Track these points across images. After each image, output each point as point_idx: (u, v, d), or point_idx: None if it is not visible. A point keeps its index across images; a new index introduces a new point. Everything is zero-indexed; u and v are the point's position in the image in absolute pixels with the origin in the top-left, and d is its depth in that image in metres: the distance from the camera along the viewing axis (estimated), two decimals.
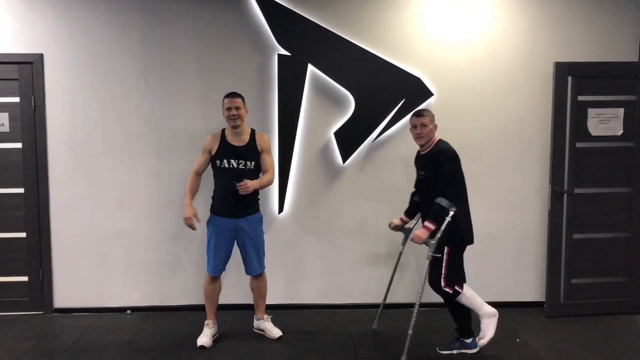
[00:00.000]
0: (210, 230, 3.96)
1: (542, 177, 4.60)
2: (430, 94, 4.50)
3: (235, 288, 4.55)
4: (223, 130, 3.94)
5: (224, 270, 4.01)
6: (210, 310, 4.04)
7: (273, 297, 4.40)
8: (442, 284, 3.66)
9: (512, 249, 4.70)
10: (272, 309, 4.29)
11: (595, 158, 4.47)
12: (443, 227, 3.55)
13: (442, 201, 3.56)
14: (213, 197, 3.98)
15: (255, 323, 4.15)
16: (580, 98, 4.42)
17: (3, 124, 4.49)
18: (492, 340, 3.74)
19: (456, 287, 3.68)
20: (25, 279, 4.60)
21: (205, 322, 4.02)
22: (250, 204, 3.94)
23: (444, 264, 3.65)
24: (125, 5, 4.43)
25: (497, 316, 3.75)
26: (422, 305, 3.68)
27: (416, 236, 3.60)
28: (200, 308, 4.23)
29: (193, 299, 4.59)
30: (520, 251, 4.70)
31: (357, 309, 4.60)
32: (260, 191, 4.00)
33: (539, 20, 4.53)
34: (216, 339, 4.01)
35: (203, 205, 4.06)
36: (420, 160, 3.85)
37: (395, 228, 4.05)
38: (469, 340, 3.83)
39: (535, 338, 4.08)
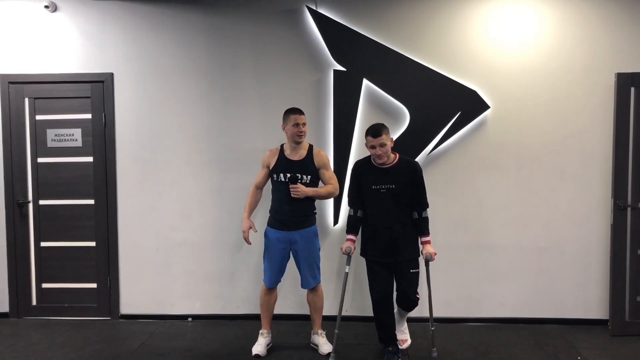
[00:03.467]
0: (265, 242, 4.07)
1: (604, 191, 4.46)
2: (486, 107, 4.47)
3: (293, 298, 4.65)
4: (282, 146, 4.06)
5: (279, 281, 4.09)
6: (265, 320, 4.13)
7: (326, 308, 4.43)
8: (418, 295, 3.82)
9: (573, 264, 4.57)
10: (325, 319, 4.29)
11: None
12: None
13: (425, 213, 3.77)
14: (270, 210, 4.08)
15: (312, 337, 4.19)
16: None
17: (76, 139, 4.78)
18: (552, 355, 3.66)
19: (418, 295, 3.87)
20: (94, 285, 4.83)
21: (260, 331, 4.11)
22: (305, 218, 4.00)
23: (418, 277, 3.79)
24: (191, 26, 4.65)
25: None
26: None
27: (435, 254, 3.75)
28: (258, 317, 4.30)
29: (252, 308, 4.71)
30: (581, 266, 4.56)
31: (416, 322, 4.57)
32: (315, 204, 4.07)
33: (599, 30, 4.43)
34: (270, 349, 4.09)
35: (262, 219, 4.21)
36: (381, 174, 3.75)
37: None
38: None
39: (597, 356, 3.94)
